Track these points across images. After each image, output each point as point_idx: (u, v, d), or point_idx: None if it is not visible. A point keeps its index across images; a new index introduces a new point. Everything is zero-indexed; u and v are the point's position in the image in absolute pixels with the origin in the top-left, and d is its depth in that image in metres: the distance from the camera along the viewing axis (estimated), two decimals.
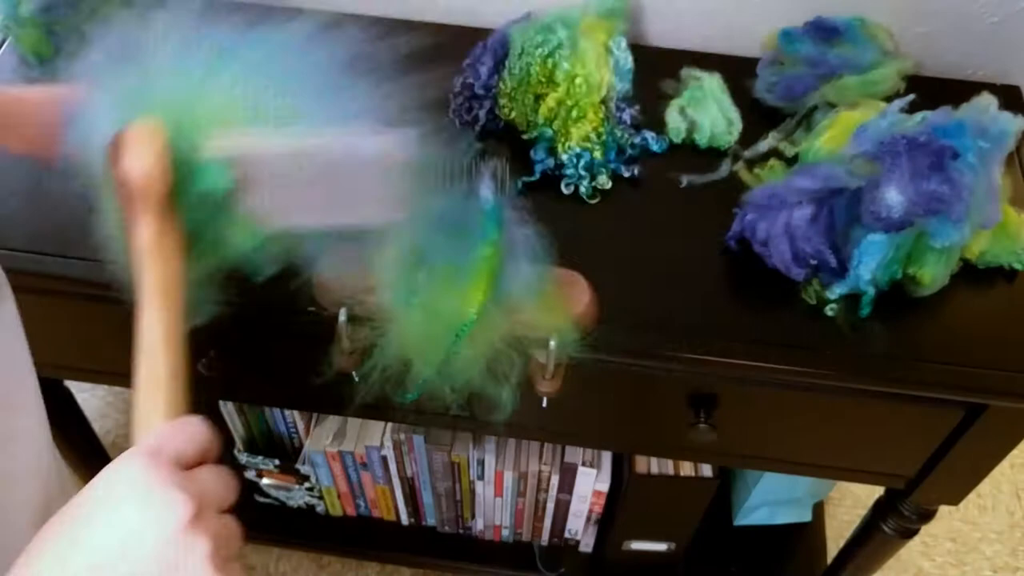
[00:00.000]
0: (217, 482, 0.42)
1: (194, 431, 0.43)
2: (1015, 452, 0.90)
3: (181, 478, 0.40)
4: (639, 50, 1.01)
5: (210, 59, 0.54)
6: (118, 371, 1.06)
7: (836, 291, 0.83)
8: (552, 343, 0.76)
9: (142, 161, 0.49)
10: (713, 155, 0.97)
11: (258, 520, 1.46)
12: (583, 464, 1.23)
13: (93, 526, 0.38)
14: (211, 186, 0.51)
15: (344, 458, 1.30)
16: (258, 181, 0.55)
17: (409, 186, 0.59)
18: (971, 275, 0.87)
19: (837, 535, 1.51)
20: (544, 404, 0.84)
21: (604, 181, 0.93)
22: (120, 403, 1.72)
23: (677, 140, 0.98)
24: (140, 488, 0.39)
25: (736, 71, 1.02)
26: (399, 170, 0.58)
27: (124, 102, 0.52)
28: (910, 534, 1.08)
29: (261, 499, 1.45)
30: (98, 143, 0.52)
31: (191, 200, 0.53)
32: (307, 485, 1.37)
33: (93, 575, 0.37)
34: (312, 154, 0.56)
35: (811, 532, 1.47)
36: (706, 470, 1.22)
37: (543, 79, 0.94)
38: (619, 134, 0.96)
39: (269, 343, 0.96)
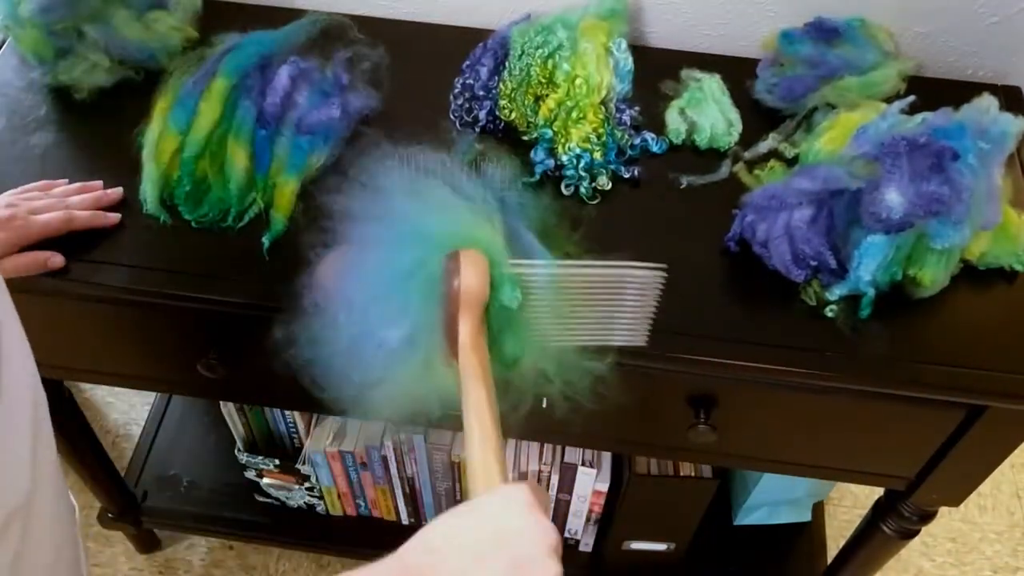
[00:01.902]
0: None
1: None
2: (1015, 452, 0.90)
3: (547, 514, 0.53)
4: (639, 51, 1.01)
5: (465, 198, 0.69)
6: (118, 371, 1.07)
7: (836, 292, 0.83)
8: None
9: (476, 277, 0.62)
10: (713, 156, 0.97)
11: (258, 520, 1.46)
12: (583, 464, 1.23)
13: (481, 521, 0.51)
14: (508, 302, 0.64)
15: (344, 458, 1.30)
16: (539, 301, 0.66)
17: (654, 312, 0.70)
18: (971, 276, 0.87)
19: (837, 535, 1.51)
20: (544, 404, 0.83)
21: (604, 182, 0.93)
22: (120, 403, 1.72)
23: (677, 141, 0.98)
24: (529, 515, 0.51)
25: (736, 72, 1.02)
26: (653, 297, 0.69)
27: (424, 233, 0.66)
28: (910, 535, 1.08)
29: (261, 499, 1.45)
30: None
31: (491, 312, 0.65)
32: (307, 485, 1.37)
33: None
34: (587, 279, 0.67)
35: (811, 532, 1.47)
36: (706, 470, 1.22)
37: (543, 80, 0.94)
38: (619, 135, 0.96)
39: (269, 343, 0.96)
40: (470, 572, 0.48)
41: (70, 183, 0.91)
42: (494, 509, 0.52)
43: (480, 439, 0.58)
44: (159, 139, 0.89)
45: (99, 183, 0.91)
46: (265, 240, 0.87)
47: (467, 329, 0.63)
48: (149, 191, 0.89)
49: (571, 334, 0.69)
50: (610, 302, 0.68)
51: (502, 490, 0.53)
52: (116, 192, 0.90)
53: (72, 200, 0.87)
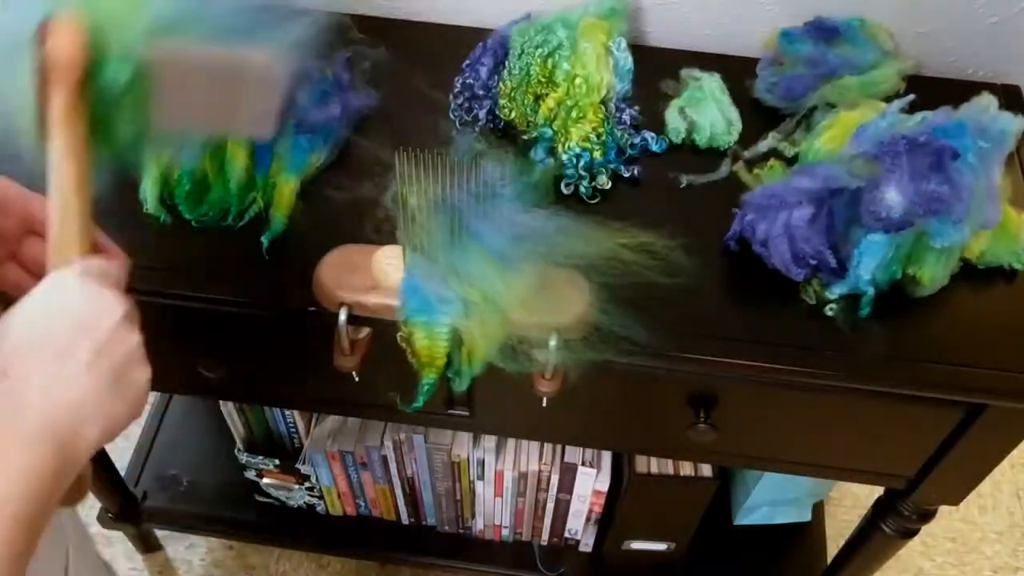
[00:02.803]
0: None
1: (118, 264, 0.59)
2: (1015, 452, 0.90)
3: (115, 287, 0.55)
4: (639, 50, 1.01)
5: None
6: None
7: (836, 291, 0.83)
8: (552, 343, 0.76)
9: (64, 46, 0.57)
10: (713, 155, 0.97)
11: (258, 520, 1.46)
12: (583, 464, 1.23)
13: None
14: (111, 80, 0.59)
15: (344, 458, 1.30)
16: (152, 83, 0.61)
17: (281, 102, 0.68)
18: (971, 275, 0.87)
19: (837, 535, 1.51)
20: (544, 404, 0.84)
21: (604, 181, 0.93)
22: None
23: (677, 140, 0.98)
24: (86, 290, 0.53)
25: (736, 71, 1.02)
26: (277, 86, 0.67)
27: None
28: (910, 534, 1.08)
29: (261, 499, 1.45)
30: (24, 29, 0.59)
31: (95, 90, 0.60)
32: (307, 485, 1.37)
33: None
34: (202, 62, 0.63)
35: (811, 532, 1.47)
36: (706, 470, 1.22)
37: (543, 79, 0.94)
38: (619, 134, 0.96)
39: (269, 343, 0.96)
40: (53, 369, 0.49)
41: None
42: (52, 297, 0.53)
43: (63, 214, 0.57)
44: None
45: None
46: (265, 239, 0.87)
47: (57, 103, 0.58)
48: (149, 190, 0.88)
49: (193, 121, 0.66)
50: (229, 91, 0.65)
51: (52, 276, 0.54)
52: None
53: None
